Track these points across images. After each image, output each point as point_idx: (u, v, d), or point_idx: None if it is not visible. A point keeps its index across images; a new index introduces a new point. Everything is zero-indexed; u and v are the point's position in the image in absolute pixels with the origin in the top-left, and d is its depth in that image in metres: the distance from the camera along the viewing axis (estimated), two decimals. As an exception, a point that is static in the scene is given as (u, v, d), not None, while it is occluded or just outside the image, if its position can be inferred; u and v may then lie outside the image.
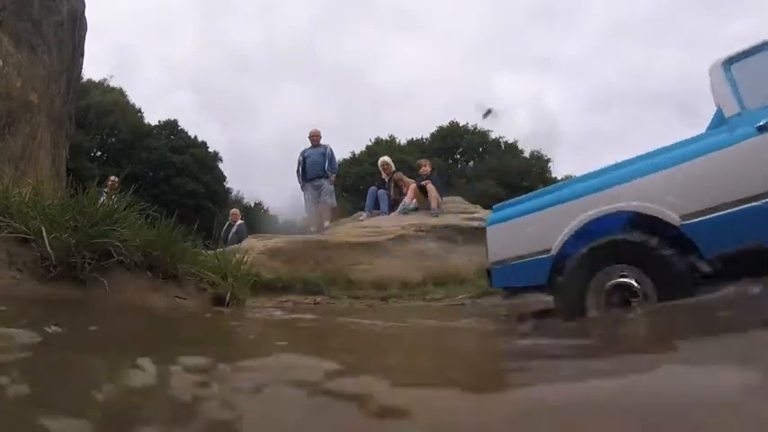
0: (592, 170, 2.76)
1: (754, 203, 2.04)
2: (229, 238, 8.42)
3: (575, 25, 72.08)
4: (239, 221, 9.23)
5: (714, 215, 2.12)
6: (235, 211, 9.82)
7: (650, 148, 2.53)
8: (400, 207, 7.41)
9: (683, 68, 73.31)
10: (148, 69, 55.50)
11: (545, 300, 3.42)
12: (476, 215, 7.04)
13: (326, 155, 7.67)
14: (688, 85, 75.90)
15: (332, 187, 7.63)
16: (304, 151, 7.86)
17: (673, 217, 2.22)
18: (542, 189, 3.15)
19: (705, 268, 2.10)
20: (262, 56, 75.68)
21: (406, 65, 76.33)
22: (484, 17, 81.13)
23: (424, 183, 7.42)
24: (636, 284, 2.23)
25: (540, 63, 71.21)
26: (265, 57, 77.04)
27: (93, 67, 44.74)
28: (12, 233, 1.93)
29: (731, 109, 2.36)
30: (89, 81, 25.97)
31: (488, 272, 3.04)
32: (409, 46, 78.34)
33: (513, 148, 35.25)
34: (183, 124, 30.61)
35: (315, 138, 7.89)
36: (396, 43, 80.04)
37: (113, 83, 30.51)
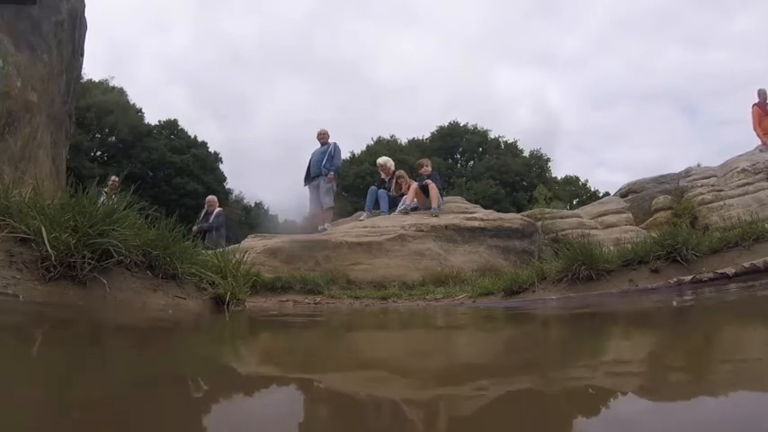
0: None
1: None
2: (212, 226, 7.99)
3: (576, 22, 72.13)
4: (217, 209, 8.45)
5: None
6: (212, 198, 8.86)
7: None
8: (400, 206, 7.41)
9: (685, 66, 73.45)
10: (146, 67, 55.66)
11: (553, 299, 3.42)
12: (476, 215, 7.04)
13: (328, 152, 7.67)
14: (689, 83, 76.06)
15: (329, 185, 7.58)
16: (314, 152, 7.89)
17: None
18: None
19: None
20: (261, 53, 75.77)
21: (407, 62, 76.46)
22: (484, 14, 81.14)
23: (425, 182, 7.43)
24: None
25: (541, 60, 71.32)
26: (264, 54, 77.11)
27: (93, 66, 44.79)
28: (12, 233, 1.93)
29: None
30: (89, 81, 25.96)
31: None
32: (409, 42, 78.46)
33: (512, 148, 35.24)
34: (182, 124, 30.67)
35: (321, 137, 7.91)
36: (396, 40, 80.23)
37: (113, 83, 30.55)
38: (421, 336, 2.31)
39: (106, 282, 2.00)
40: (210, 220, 8.20)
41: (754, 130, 8.40)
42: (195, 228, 7.75)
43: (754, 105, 8.41)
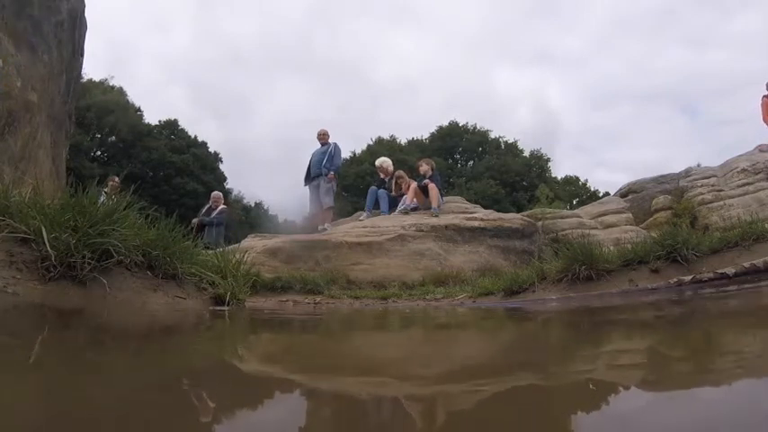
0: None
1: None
2: (212, 221, 7.81)
3: (576, 22, 72.18)
4: (221, 206, 8.25)
5: None
6: (218, 194, 8.68)
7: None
8: (400, 206, 7.41)
9: (685, 66, 73.51)
10: (146, 67, 55.75)
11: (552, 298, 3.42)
12: (476, 215, 7.04)
13: (328, 152, 7.66)
14: (689, 83, 76.14)
15: (329, 185, 7.57)
16: (314, 152, 7.89)
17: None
18: None
19: None
20: (261, 53, 75.83)
21: (407, 62, 76.52)
22: (484, 14, 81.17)
23: (425, 182, 7.43)
24: None
25: (541, 60, 71.38)
26: (264, 54, 77.16)
27: (93, 66, 44.86)
28: (12, 233, 1.93)
29: None
30: (89, 81, 25.97)
31: None
32: (409, 42, 78.48)
33: (512, 148, 35.25)
34: (182, 124, 30.69)
35: (321, 137, 7.91)
36: (396, 40, 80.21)
37: (113, 82, 30.57)
38: (421, 335, 2.31)
39: (106, 282, 2.00)
40: (213, 216, 8.02)
41: (764, 121, 8.18)
42: (195, 220, 7.63)
43: (763, 97, 8.18)
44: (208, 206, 8.34)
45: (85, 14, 6.94)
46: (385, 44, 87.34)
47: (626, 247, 3.79)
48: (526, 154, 35.04)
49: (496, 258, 6.21)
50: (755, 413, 0.75)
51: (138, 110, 30.06)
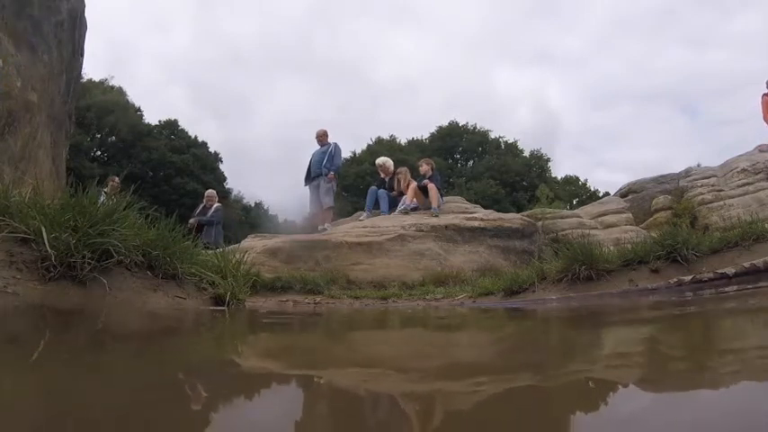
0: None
1: None
2: (211, 220, 7.74)
3: (576, 22, 72.16)
4: (216, 204, 8.12)
5: None
6: (211, 192, 8.56)
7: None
8: (400, 206, 7.41)
9: (685, 66, 73.49)
10: (146, 67, 55.75)
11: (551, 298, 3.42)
12: (476, 215, 7.04)
13: (328, 153, 7.66)
14: (689, 83, 76.08)
15: (329, 185, 7.57)
16: (314, 152, 7.88)
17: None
18: None
19: None
20: (261, 53, 75.83)
21: (407, 62, 76.52)
22: (484, 14, 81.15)
23: (425, 183, 7.43)
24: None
25: (541, 60, 71.37)
26: (264, 54, 77.16)
27: (93, 66, 44.89)
28: (12, 233, 1.93)
29: None
30: (89, 81, 25.97)
31: None
32: (409, 42, 78.48)
33: (512, 148, 35.24)
34: (182, 124, 30.69)
35: (320, 138, 7.89)
36: (396, 40, 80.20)
37: (113, 82, 30.58)
38: (420, 334, 2.31)
39: (106, 282, 2.00)
40: (209, 215, 7.93)
41: (765, 120, 8.12)
42: (192, 220, 7.49)
43: (763, 95, 8.12)
44: (202, 205, 8.22)
45: (85, 14, 6.94)
46: (385, 44, 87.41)
47: (626, 247, 3.79)
48: (526, 154, 35.05)
49: (496, 258, 6.21)
50: (755, 415, 0.75)
51: (138, 110, 30.09)
